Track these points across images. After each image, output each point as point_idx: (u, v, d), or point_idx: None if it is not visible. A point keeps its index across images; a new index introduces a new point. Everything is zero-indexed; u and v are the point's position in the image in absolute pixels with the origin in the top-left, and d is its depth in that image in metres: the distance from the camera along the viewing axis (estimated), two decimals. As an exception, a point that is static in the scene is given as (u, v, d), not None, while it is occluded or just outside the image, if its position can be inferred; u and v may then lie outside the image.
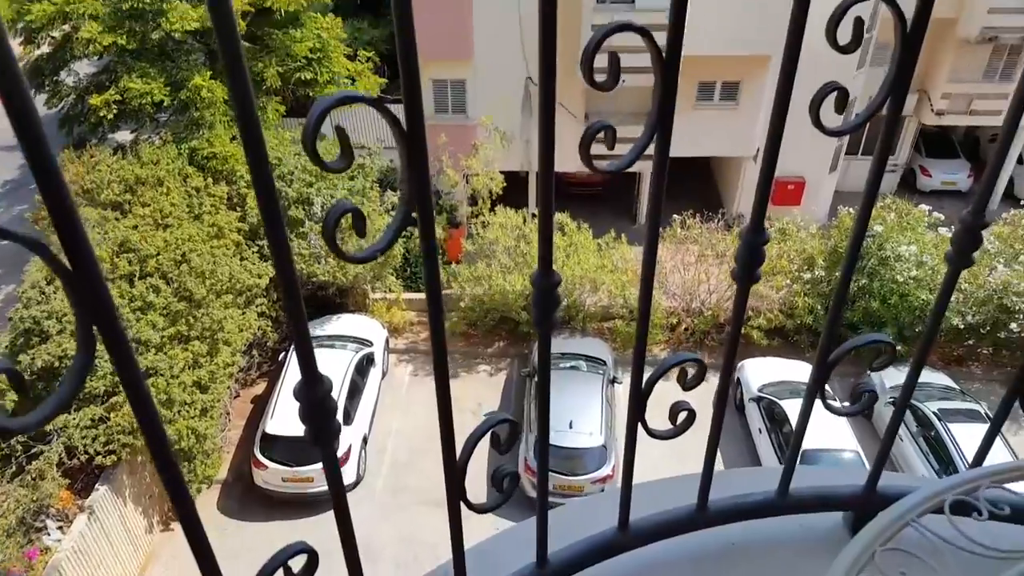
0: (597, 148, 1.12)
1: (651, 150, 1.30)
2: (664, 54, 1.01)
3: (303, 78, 15.32)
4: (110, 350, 0.76)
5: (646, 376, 1.41)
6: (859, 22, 1.08)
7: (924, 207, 16.85)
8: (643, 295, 1.27)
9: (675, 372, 1.46)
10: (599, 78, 1.01)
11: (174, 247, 13.07)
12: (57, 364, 11.16)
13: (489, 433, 1.26)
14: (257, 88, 15.05)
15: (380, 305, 17.22)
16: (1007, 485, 1.21)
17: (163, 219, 13.51)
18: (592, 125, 1.07)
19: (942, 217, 16.83)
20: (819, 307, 16.09)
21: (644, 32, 1.00)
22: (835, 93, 1.13)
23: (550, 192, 1.10)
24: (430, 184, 0.99)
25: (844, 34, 1.08)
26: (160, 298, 12.63)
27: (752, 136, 19.22)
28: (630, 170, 19.91)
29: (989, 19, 18.57)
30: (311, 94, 15.68)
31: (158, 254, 12.88)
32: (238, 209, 14.55)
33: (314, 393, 0.97)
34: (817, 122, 1.14)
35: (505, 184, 17.58)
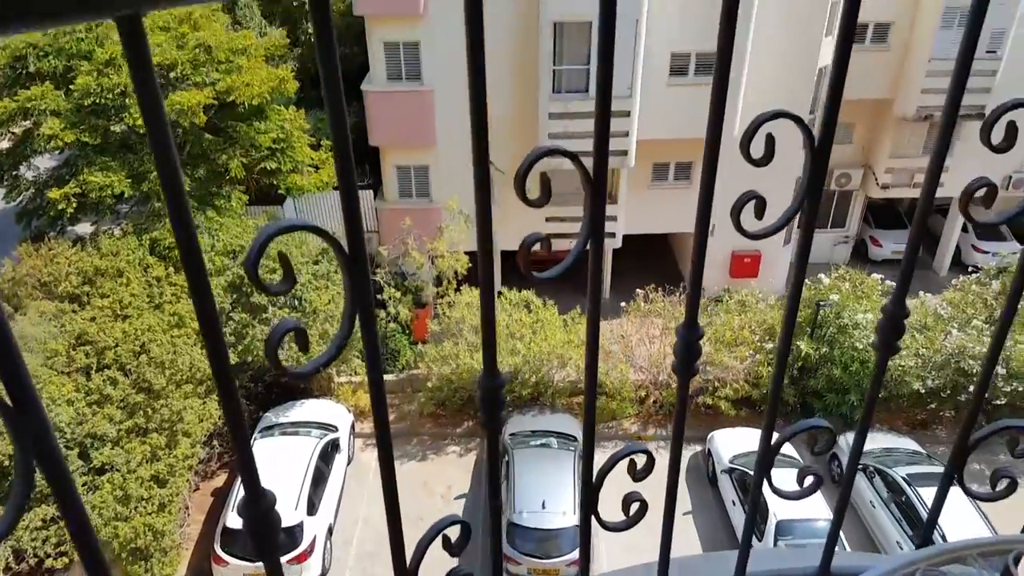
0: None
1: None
2: (591, 174, 1.08)
3: (267, 167, 15.50)
4: (51, 483, 0.77)
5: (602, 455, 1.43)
6: (770, 139, 1.17)
7: (877, 276, 17.38)
8: (587, 416, 1.32)
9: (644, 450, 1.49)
10: (532, 196, 1.08)
11: (133, 338, 12.86)
12: (7, 463, 10.73)
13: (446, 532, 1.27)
14: (221, 178, 15.16)
15: (346, 388, 17.00)
16: (943, 568, 1.24)
17: (122, 310, 13.33)
18: (527, 238, 1.13)
19: (894, 285, 17.32)
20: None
21: (572, 157, 1.07)
22: (754, 201, 1.22)
23: (491, 300, 1.15)
24: (373, 300, 1.03)
25: (757, 149, 1.17)
26: (118, 390, 12.35)
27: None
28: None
29: (923, 99, 19.64)
30: (275, 183, 15.83)
31: (116, 345, 12.65)
32: (200, 297, 14.42)
33: (257, 508, 0.98)
34: (738, 226, 1.22)
35: (471, 264, 17.75)
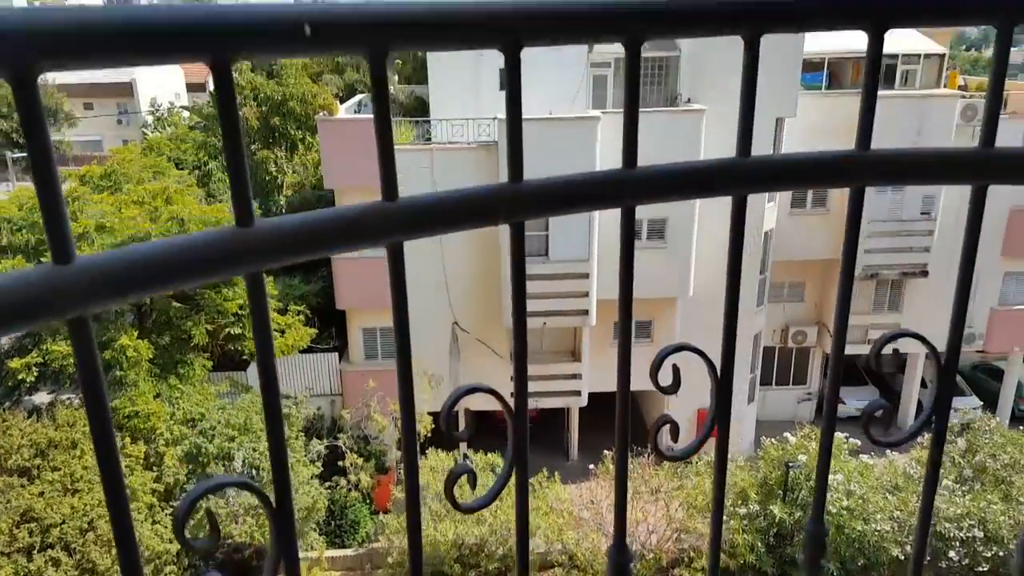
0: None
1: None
2: (513, 408, 1.16)
3: (232, 333, 15.55)
4: None
5: None
6: (675, 369, 1.28)
7: (841, 434, 17.40)
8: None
9: None
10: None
11: (81, 514, 12.31)
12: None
13: None
14: (185, 345, 15.13)
15: (302, 565, 16.09)
16: None
17: (73, 483, 12.82)
18: (455, 470, 1.19)
19: (859, 443, 17.34)
20: (759, 543, 15.82)
21: (496, 394, 1.15)
22: (668, 425, 1.30)
23: (417, 508, 1.19)
24: (297, 549, 1.06)
25: (665, 377, 1.28)
26: (59, 572, 11.61)
27: (668, 372, 20.05)
28: (558, 406, 20.20)
29: (867, 258, 20.69)
30: (239, 347, 15.82)
31: (63, 522, 12.08)
32: (154, 469, 13.94)
33: None
34: (656, 450, 1.30)
35: (435, 425, 17.51)
